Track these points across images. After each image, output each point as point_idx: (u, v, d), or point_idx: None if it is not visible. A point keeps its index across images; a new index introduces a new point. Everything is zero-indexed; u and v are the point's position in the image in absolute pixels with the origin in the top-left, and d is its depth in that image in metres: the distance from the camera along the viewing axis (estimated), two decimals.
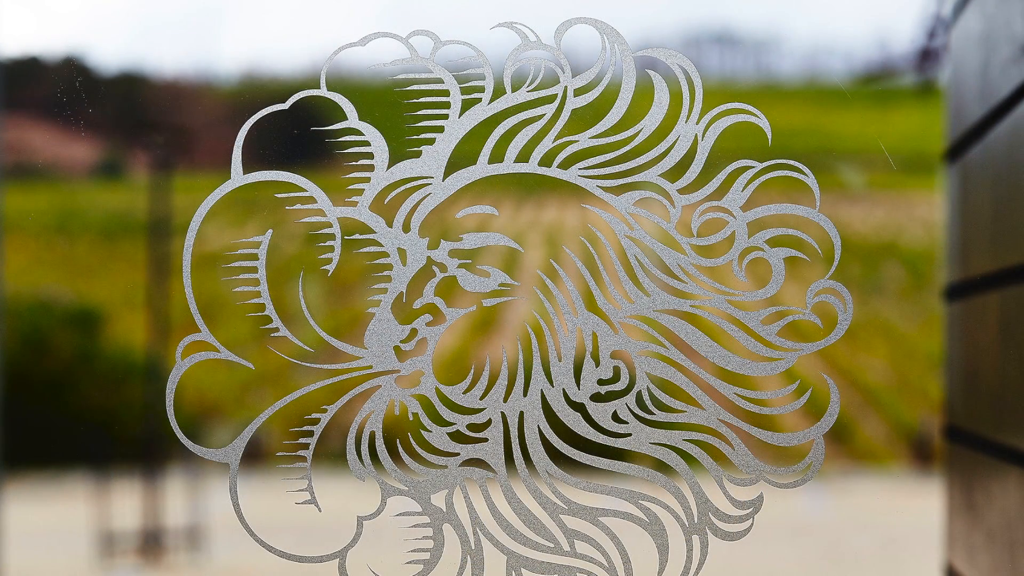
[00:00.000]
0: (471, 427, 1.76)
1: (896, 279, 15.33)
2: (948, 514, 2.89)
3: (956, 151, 2.85)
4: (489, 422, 1.76)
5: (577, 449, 1.75)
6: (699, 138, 1.73)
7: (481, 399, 1.76)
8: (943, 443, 3.01)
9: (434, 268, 1.75)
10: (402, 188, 1.75)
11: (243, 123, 1.73)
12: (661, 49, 1.72)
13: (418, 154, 1.75)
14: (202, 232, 1.74)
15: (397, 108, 1.74)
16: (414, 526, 1.76)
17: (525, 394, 1.76)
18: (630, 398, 1.75)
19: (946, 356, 2.99)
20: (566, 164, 1.74)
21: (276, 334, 1.75)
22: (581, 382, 1.75)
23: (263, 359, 1.81)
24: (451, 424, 1.75)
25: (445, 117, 1.75)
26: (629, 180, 1.74)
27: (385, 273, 1.75)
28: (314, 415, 1.75)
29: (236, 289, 1.74)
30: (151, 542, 9.81)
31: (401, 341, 1.75)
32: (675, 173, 1.74)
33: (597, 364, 1.75)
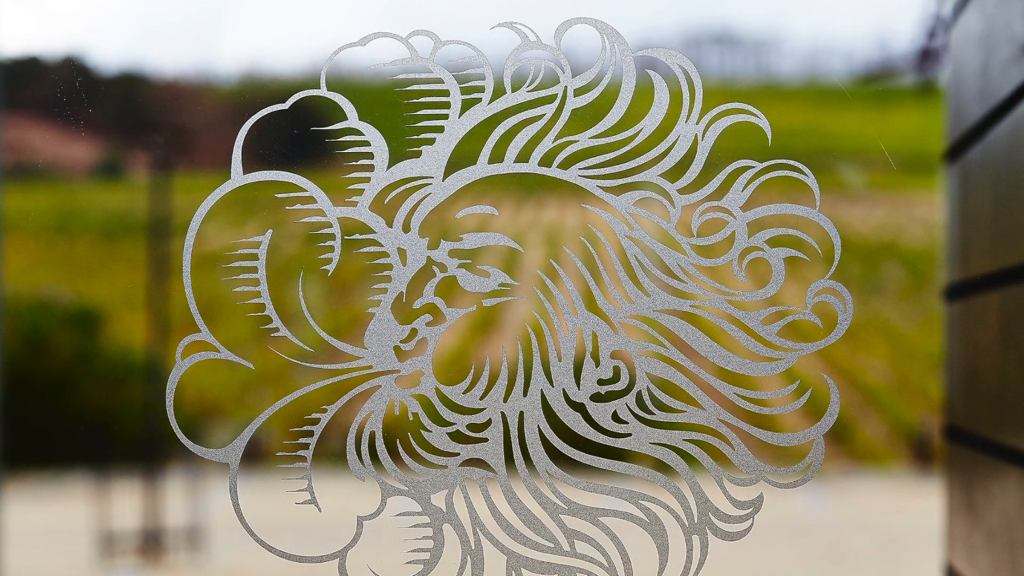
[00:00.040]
0: (471, 427, 1.76)
1: (896, 279, 15.34)
2: (948, 514, 2.89)
3: (956, 151, 2.85)
4: (489, 422, 1.76)
5: (577, 449, 1.75)
6: (699, 138, 1.73)
7: (481, 399, 1.76)
8: (943, 443, 3.01)
9: (434, 268, 1.75)
10: (402, 188, 1.75)
11: (243, 123, 1.73)
12: (661, 49, 1.72)
13: (418, 154, 1.75)
14: (202, 232, 1.74)
15: (397, 108, 1.74)
16: (414, 526, 1.76)
17: (525, 394, 1.76)
18: (630, 398, 1.75)
19: (946, 356, 2.99)
20: (566, 164, 1.74)
21: (276, 334, 1.75)
22: (581, 382, 1.75)
23: (263, 359, 1.81)
24: (451, 424, 1.75)
25: (445, 117, 1.75)
26: (629, 180, 1.74)
27: (385, 273, 1.75)
28: (314, 415, 1.75)
29: (236, 289, 1.74)
30: (151, 542, 9.81)
31: (401, 341, 1.75)
32: (675, 173, 1.74)
33: (597, 364, 1.75)
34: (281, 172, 1.73)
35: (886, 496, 11.89)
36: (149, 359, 11.55)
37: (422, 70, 1.73)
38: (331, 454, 1.92)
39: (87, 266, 14.77)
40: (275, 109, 1.72)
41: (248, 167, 1.73)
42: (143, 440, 10.95)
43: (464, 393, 1.76)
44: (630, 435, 1.75)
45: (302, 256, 1.76)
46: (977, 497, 2.55)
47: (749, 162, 1.73)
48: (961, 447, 2.75)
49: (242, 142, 1.73)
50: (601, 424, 1.75)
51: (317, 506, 1.77)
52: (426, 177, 1.75)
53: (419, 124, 1.74)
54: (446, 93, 1.74)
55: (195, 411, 12.50)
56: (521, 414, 1.76)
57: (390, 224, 1.74)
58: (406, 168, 1.75)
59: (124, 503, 10.52)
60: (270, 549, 1.77)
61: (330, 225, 1.74)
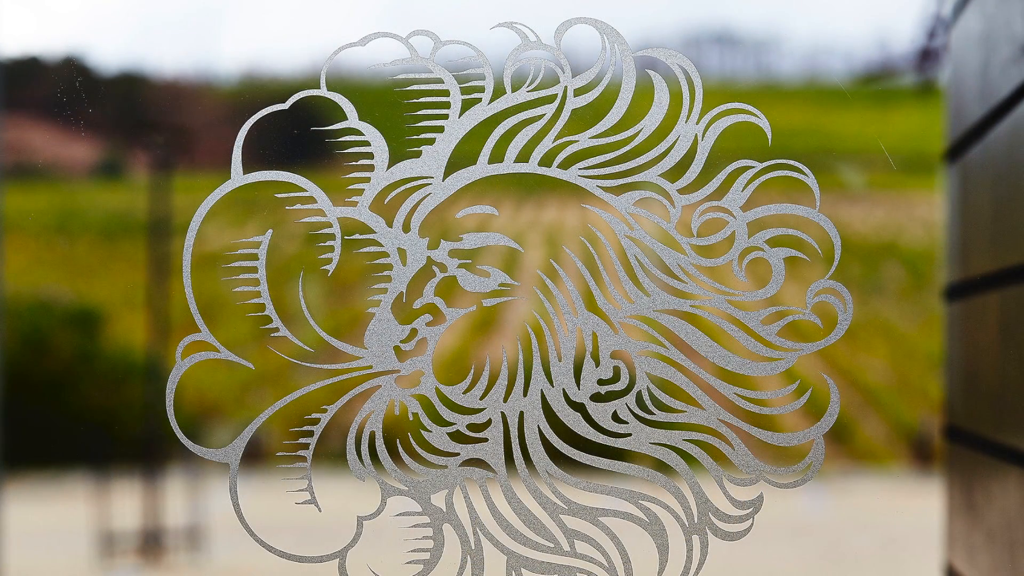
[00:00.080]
0: (471, 427, 1.76)
1: (896, 279, 15.33)
2: (948, 514, 2.89)
3: (956, 151, 2.85)
4: (489, 422, 1.76)
5: (577, 449, 1.75)
6: (699, 138, 1.73)
7: (481, 399, 1.76)
8: (943, 443, 3.01)
9: (434, 268, 1.75)
10: (402, 188, 1.75)
11: (243, 123, 1.73)
12: (661, 49, 1.72)
13: (418, 154, 1.75)
14: (202, 232, 1.74)
15: (397, 108, 1.74)
16: (414, 526, 1.76)
17: (525, 394, 1.76)
18: (630, 398, 1.75)
19: (946, 356, 2.99)
20: (566, 164, 1.74)
21: (276, 334, 1.75)
22: (581, 382, 1.75)
23: (263, 359, 1.81)
24: (451, 424, 1.75)
25: (445, 117, 1.75)
26: (629, 180, 1.74)
27: (385, 273, 1.75)
28: (314, 415, 1.75)
29: (236, 289, 1.74)
30: (151, 542, 9.81)
31: (401, 341, 1.75)
32: (675, 173, 1.74)
33: (597, 364, 1.75)
34: (281, 172, 1.73)
35: (886, 496, 11.89)
36: (149, 359, 11.56)
37: (422, 70, 1.73)
38: (331, 454, 1.92)
39: (87, 266, 14.77)
40: (275, 109, 1.72)
41: (248, 167, 1.73)
42: (143, 440, 10.95)
43: (464, 393, 1.76)
44: (630, 435, 1.75)
45: (302, 256, 1.76)
46: (977, 497, 2.55)
47: (749, 162, 1.73)
48: (961, 447, 2.75)
49: (242, 142, 1.73)
50: (601, 424, 1.75)
51: (317, 506, 1.77)
52: (426, 177, 1.75)
53: (419, 124, 1.74)
54: (446, 93, 1.74)
55: (195, 411, 12.50)
56: (521, 414, 1.76)
57: (390, 224, 1.74)
58: (406, 168, 1.75)
59: (124, 503, 10.52)
60: (270, 549, 1.77)
61: (330, 225, 1.74)
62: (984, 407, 2.51)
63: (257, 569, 8.43)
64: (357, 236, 1.74)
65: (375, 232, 1.74)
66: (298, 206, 1.73)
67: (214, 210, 1.74)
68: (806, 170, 1.72)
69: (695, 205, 1.74)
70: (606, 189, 1.74)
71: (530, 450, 1.76)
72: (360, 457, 1.76)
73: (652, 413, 1.75)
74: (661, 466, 1.75)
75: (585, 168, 1.74)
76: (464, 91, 1.74)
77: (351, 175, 1.74)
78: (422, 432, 1.76)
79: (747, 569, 8.30)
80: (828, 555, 9.43)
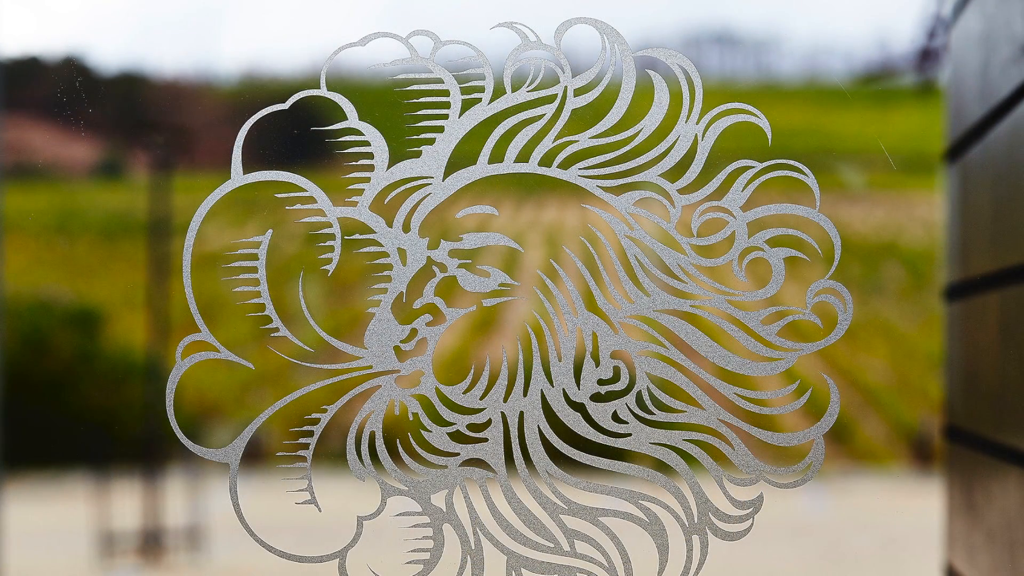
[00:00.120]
0: (471, 427, 1.76)
1: (896, 279, 15.34)
2: (948, 514, 2.89)
3: (956, 151, 2.85)
4: (489, 422, 1.76)
5: (577, 449, 1.75)
6: (699, 138, 1.73)
7: (481, 399, 1.76)
8: (943, 443, 3.01)
9: (434, 268, 1.75)
10: (402, 188, 1.75)
11: (243, 123, 1.73)
12: (661, 49, 1.72)
13: (418, 154, 1.75)
14: (202, 232, 1.74)
15: (397, 108, 1.74)
16: (414, 526, 1.76)
17: (525, 394, 1.76)
18: (630, 398, 1.75)
19: (946, 356, 2.99)
20: (566, 164, 1.74)
21: (276, 334, 1.75)
22: (581, 382, 1.75)
23: (263, 359, 1.81)
24: (451, 424, 1.75)
25: (445, 117, 1.75)
26: (629, 180, 1.74)
27: (385, 273, 1.75)
28: (314, 415, 1.75)
29: (236, 289, 1.74)
30: (151, 542, 9.81)
31: (401, 341, 1.75)
32: (675, 173, 1.74)
33: (597, 364, 1.75)
34: (281, 172, 1.73)
35: (886, 496, 11.89)
36: (149, 359, 11.55)
37: (422, 70, 1.73)
38: (331, 454, 1.92)
39: (87, 266, 14.77)
40: (275, 109, 1.72)
41: (248, 167, 1.73)
42: (143, 440, 10.95)
43: (464, 393, 1.76)
44: (630, 435, 1.75)
45: (302, 256, 1.76)
46: (977, 497, 2.55)
47: (749, 162, 1.73)
48: (961, 447, 2.75)
49: (242, 142, 1.73)
50: (601, 424, 1.75)
51: (317, 506, 1.77)
52: (426, 177, 1.75)
53: (419, 124, 1.74)
54: (446, 93, 1.74)
55: (195, 411, 12.50)
56: (521, 414, 1.76)
57: (390, 224, 1.74)
58: (406, 168, 1.75)
59: (124, 503, 10.52)
60: (270, 549, 1.77)
61: (330, 225, 1.74)
62: (984, 407, 2.51)
63: (257, 569, 8.43)
64: (357, 236, 1.74)
65: (375, 232, 1.74)
66: (298, 206, 1.73)
67: (214, 210, 1.74)
68: (806, 170, 1.72)
69: (695, 205, 1.74)
70: (606, 189, 1.74)
71: (530, 450, 1.76)
72: (360, 457, 1.76)
73: (652, 413, 1.75)
74: (661, 466, 1.75)
75: (585, 168, 1.74)
76: (464, 91, 1.74)
77: (351, 175, 1.74)
78: (422, 432, 1.76)
79: (747, 569, 8.30)
80: (828, 555, 9.43)
